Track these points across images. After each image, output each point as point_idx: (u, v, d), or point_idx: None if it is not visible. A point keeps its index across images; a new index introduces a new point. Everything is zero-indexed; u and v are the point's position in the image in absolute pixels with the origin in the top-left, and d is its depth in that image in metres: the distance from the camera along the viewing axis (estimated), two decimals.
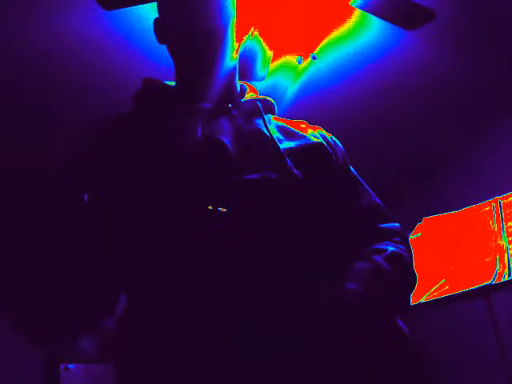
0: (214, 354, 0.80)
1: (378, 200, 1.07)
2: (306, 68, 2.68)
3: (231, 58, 1.04)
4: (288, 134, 1.03)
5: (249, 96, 1.08)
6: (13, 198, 2.57)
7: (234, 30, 1.03)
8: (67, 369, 3.24)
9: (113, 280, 0.93)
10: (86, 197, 0.91)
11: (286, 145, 0.99)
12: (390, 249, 0.95)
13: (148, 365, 0.84)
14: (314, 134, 1.07)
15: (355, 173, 1.09)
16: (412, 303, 2.50)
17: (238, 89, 1.09)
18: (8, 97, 2.64)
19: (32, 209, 0.97)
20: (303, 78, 2.77)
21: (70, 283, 0.89)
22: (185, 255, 0.85)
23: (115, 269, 0.92)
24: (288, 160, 0.94)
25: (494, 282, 2.28)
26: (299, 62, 2.40)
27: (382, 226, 1.02)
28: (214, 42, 0.99)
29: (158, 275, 0.86)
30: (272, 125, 1.05)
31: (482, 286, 2.31)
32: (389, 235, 1.01)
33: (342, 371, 0.81)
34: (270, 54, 2.25)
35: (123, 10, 2.05)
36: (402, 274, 0.95)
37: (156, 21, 1.08)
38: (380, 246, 0.96)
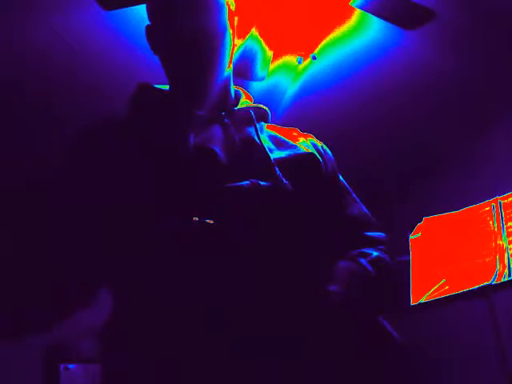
0: (211, 357, 0.80)
1: (365, 209, 1.10)
2: (305, 68, 2.68)
3: (227, 65, 1.04)
4: (279, 144, 1.04)
5: (243, 102, 1.08)
6: (13, 198, 2.57)
7: (232, 36, 1.03)
8: (67, 369, 3.24)
9: (99, 277, 0.93)
10: (79, 200, 0.92)
11: (277, 154, 1.00)
12: (375, 253, 0.99)
13: (141, 367, 0.84)
14: (305, 142, 1.08)
15: (344, 182, 1.11)
16: (412, 303, 2.51)
17: (233, 95, 1.08)
18: (8, 97, 2.64)
19: (31, 209, 0.97)
20: (303, 78, 2.77)
21: (65, 279, 0.90)
22: (176, 261, 0.85)
23: (104, 267, 0.93)
24: (277, 170, 0.95)
25: (494, 282, 2.28)
26: (299, 62, 2.40)
27: (368, 234, 1.05)
28: (212, 49, 0.99)
29: (150, 280, 0.86)
30: (264, 134, 1.05)
31: (482, 286, 2.31)
32: (374, 243, 1.04)
33: (337, 372, 0.82)
34: (270, 54, 2.25)
35: (123, 9, 2.05)
36: (385, 277, 0.99)
37: (149, 28, 1.05)
38: (365, 250, 1.00)
